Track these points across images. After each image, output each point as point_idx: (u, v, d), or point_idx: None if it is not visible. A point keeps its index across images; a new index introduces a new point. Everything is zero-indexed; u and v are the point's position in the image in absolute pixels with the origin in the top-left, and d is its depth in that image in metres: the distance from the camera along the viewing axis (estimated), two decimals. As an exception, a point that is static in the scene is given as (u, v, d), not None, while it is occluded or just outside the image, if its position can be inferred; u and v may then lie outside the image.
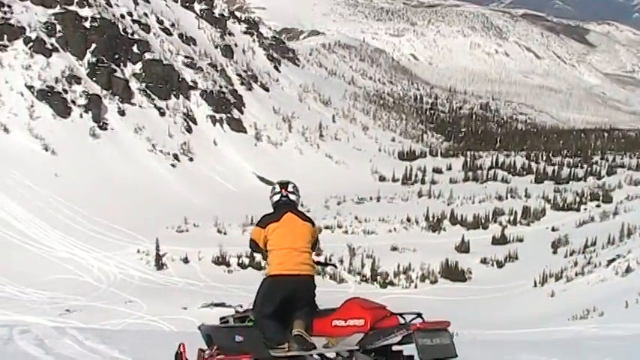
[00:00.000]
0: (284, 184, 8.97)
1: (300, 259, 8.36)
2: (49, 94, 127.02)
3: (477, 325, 59.39)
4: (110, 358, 11.08)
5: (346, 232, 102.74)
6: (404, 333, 7.28)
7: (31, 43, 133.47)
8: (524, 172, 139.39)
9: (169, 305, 65.76)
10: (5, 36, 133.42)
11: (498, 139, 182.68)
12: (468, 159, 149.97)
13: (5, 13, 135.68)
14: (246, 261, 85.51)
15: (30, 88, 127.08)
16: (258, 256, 8.93)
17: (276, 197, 8.88)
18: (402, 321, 7.57)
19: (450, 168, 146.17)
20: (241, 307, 9.29)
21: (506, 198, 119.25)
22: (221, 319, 9.38)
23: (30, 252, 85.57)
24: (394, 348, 7.64)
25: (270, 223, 8.55)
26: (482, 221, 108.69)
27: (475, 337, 47.85)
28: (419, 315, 7.50)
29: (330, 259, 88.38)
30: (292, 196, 8.89)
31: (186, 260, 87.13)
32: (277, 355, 8.22)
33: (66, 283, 76.72)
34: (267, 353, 8.28)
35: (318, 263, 9.05)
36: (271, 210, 8.91)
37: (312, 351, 7.99)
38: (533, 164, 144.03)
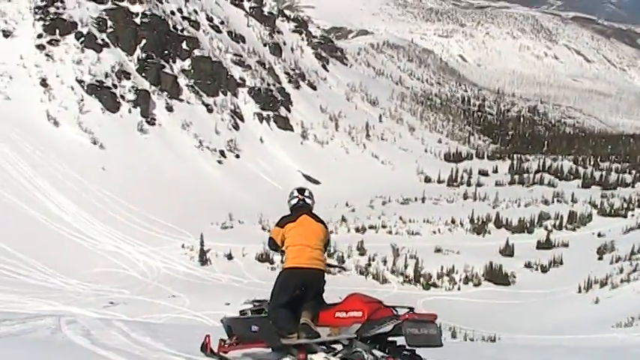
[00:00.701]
0: (301, 190, 10.21)
1: (312, 254, 9.39)
2: (99, 88, 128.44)
3: (519, 330, 59.12)
4: (156, 350, 11.28)
5: (390, 232, 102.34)
6: (395, 322, 8.18)
7: (83, 38, 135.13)
8: (571, 177, 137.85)
9: (212, 301, 66.02)
10: (57, 30, 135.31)
11: (546, 143, 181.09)
12: (515, 162, 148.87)
13: (58, 8, 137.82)
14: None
15: (80, 82, 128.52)
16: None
17: (294, 201, 10.14)
18: (395, 313, 8.44)
19: (496, 171, 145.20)
20: (259, 301, 10.09)
21: (553, 202, 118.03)
22: (241, 311, 10.36)
23: (77, 244, 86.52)
24: (389, 339, 8.55)
25: (288, 223, 9.72)
26: (528, 225, 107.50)
27: (517, 342, 47.70)
28: (411, 309, 8.36)
29: (376, 259, 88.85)
30: (308, 200, 10.11)
31: (230, 256, 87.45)
32: (287, 343, 9.13)
33: (111, 276, 77.48)
34: (279, 341, 9.22)
35: (329, 265, 10.09)
36: (289, 212, 10.08)
37: (317, 339, 8.88)
38: (580, 169, 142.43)
